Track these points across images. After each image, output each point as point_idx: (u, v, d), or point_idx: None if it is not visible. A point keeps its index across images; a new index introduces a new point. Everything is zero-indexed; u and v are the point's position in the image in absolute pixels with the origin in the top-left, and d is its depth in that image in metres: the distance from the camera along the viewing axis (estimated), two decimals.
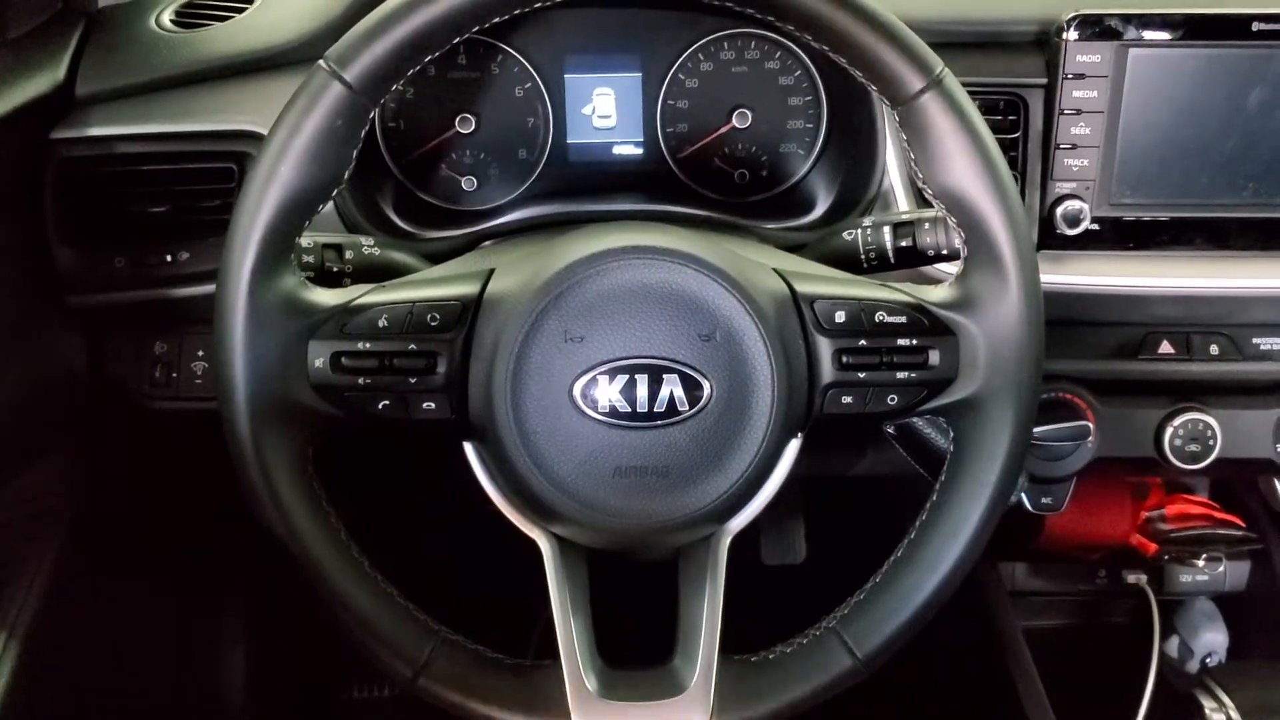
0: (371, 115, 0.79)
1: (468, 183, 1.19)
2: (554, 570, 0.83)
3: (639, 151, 1.19)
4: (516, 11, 0.78)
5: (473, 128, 1.17)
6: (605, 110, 1.18)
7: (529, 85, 1.17)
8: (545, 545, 0.84)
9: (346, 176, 0.79)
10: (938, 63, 0.79)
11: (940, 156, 0.79)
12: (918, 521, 0.84)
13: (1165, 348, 1.16)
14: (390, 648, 0.81)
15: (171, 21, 1.18)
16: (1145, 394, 1.19)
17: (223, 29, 1.16)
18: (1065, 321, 1.14)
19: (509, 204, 1.18)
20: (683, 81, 1.18)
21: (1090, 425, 1.15)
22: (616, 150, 1.19)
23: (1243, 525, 1.53)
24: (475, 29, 0.78)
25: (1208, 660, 1.59)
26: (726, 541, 0.84)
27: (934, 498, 0.84)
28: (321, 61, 0.76)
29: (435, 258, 0.99)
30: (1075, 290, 1.11)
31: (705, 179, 1.20)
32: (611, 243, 0.80)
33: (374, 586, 0.82)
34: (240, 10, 1.19)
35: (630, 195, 1.17)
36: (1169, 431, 1.18)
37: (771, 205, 1.19)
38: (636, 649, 0.86)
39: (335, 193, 0.80)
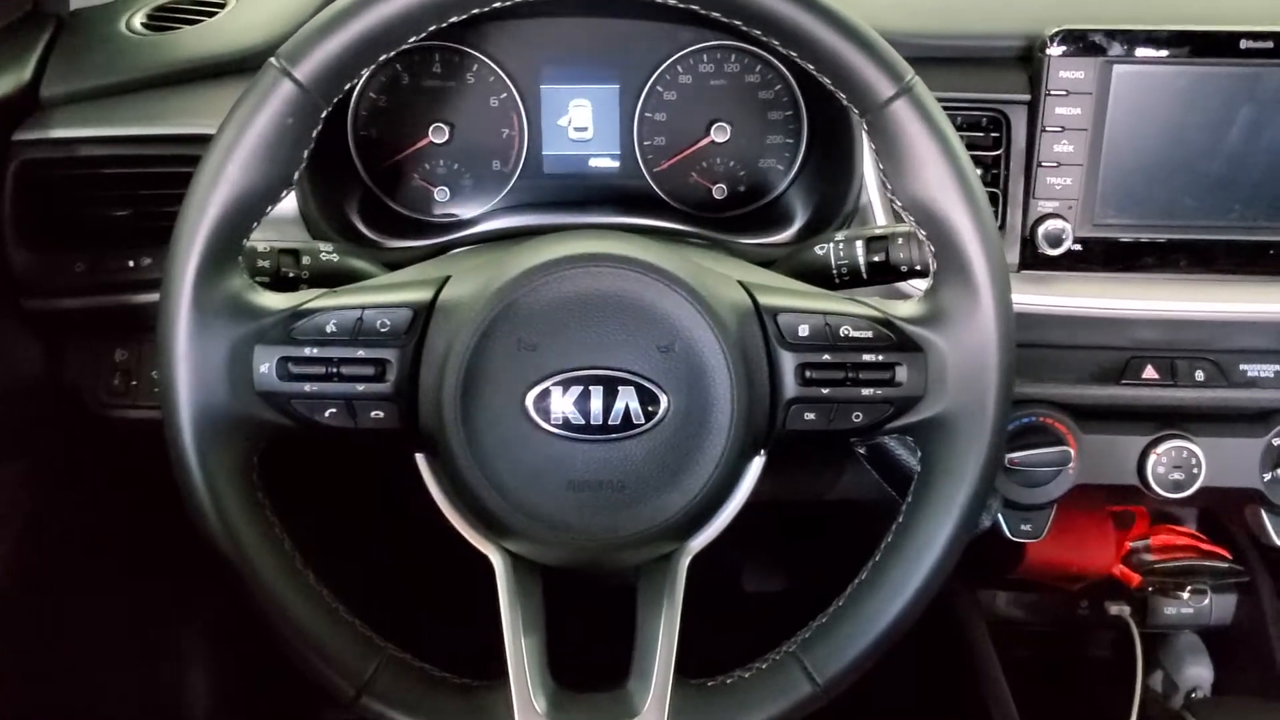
0: (324, 114, 0.76)
1: (440, 193, 1.17)
2: (506, 587, 0.80)
3: (615, 164, 1.17)
4: (475, 11, 0.76)
5: (446, 137, 1.15)
6: (582, 122, 1.16)
7: (504, 95, 1.15)
8: (498, 561, 0.81)
9: (296, 177, 0.77)
10: (907, 70, 0.76)
11: (909, 166, 0.77)
12: (882, 544, 0.82)
13: (1149, 373, 1.14)
14: (332, 664, 0.78)
15: (143, 25, 1.17)
16: (1128, 420, 1.16)
17: (192, 32, 1.14)
18: (1046, 344, 1.13)
19: (482, 215, 1.17)
20: (661, 94, 1.16)
21: (1071, 451, 1.13)
22: (593, 163, 1.18)
23: (1229, 557, 1.51)
24: (434, 28, 0.76)
25: (1192, 695, 1.57)
26: (686, 561, 0.82)
27: (900, 519, 0.82)
28: (272, 59, 0.74)
29: (398, 267, 0.97)
30: (1057, 312, 1.08)
31: (682, 193, 1.18)
32: (569, 250, 0.78)
33: (318, 600, 0.79)
34: (212, 14, 1.17)
35: (606, 208, 1.15)
36: (1152, 459, 1.15)
37: (748, 220, 1.18)
38: (594, 670, 0.83)
39: (285, 194, 0.77)
